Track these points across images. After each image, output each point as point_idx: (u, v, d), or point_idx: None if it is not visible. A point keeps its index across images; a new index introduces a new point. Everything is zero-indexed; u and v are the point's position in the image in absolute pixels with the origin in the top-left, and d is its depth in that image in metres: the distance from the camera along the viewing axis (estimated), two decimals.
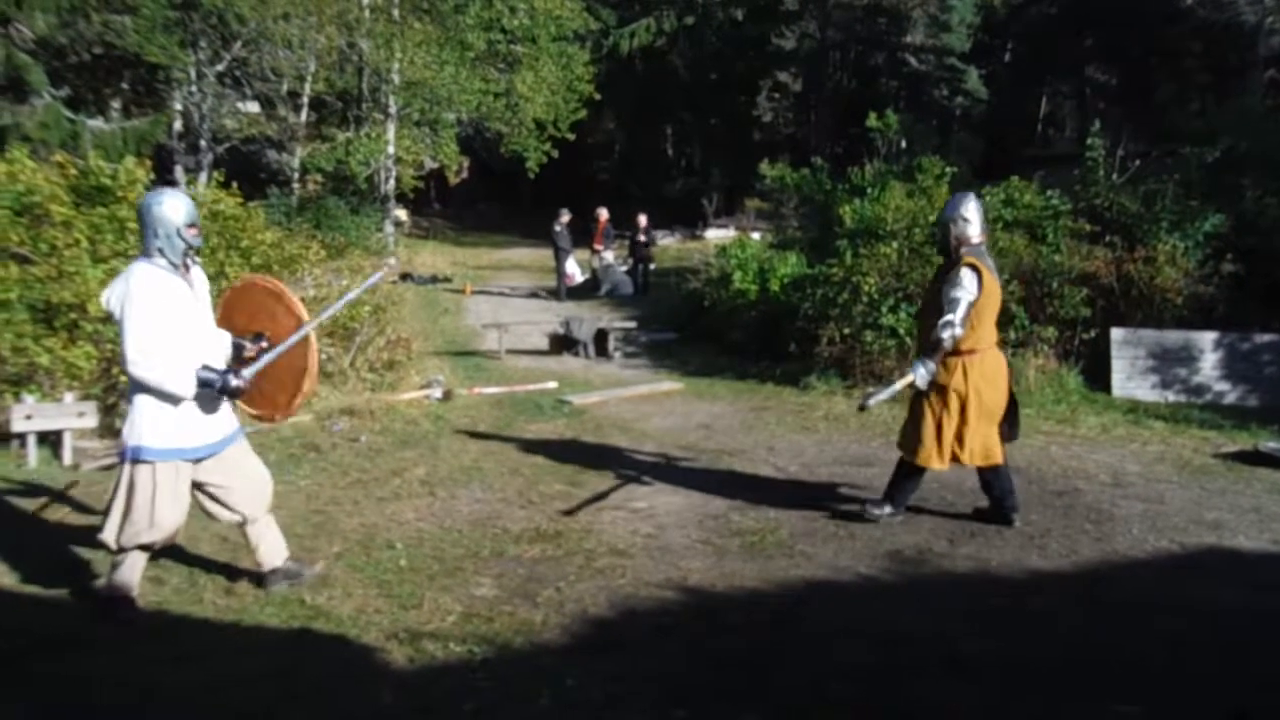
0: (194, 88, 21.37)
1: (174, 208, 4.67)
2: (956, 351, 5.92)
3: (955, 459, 6.05)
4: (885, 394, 6.10)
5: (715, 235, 26.95)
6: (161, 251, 4.64)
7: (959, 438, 6.01)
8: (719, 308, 14.12)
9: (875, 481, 7.12)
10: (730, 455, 8.08)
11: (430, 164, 27.83)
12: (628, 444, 8.50)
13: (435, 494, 6.93)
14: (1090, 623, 4.74)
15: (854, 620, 4.76)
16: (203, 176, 20.62)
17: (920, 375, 5.89)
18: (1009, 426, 6.24)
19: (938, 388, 5.98)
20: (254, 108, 23.96)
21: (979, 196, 6.49)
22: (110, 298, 4.57)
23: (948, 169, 13.02)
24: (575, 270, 20.43)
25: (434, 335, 14.76)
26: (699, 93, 35.60)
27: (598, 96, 27.78)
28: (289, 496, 6.75)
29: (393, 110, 24.19)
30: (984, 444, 6.04)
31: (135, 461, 4.59)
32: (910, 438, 6.16)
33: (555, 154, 26.32)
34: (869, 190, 13.55)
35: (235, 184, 10.37)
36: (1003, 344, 6.26)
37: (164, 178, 17.78)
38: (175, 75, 20.92)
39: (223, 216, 9.62)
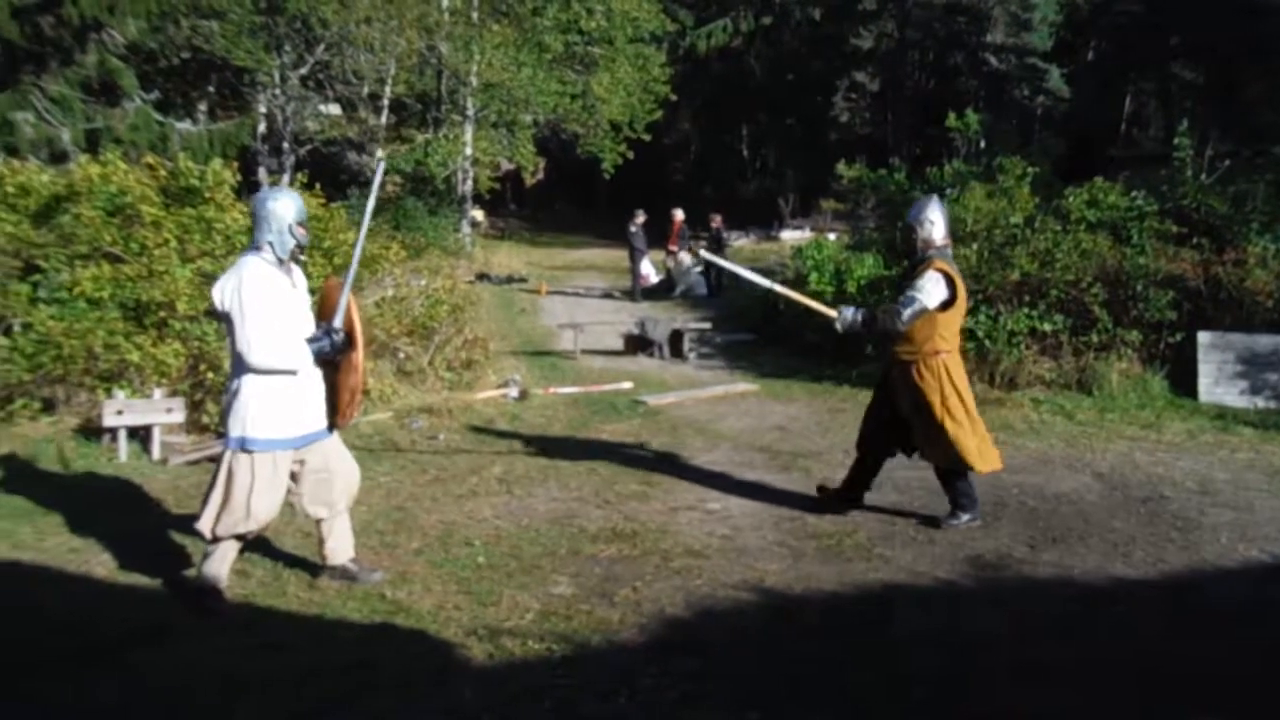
0: (278, 91, 21.84)
1: (286, 205, 4.87)
2: (936, 352, 5.95)
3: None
4: (740, 271, 6.81)
5: (791, 236, 26.81)
6: (271, 246, 4.81)
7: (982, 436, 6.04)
8: (795, 309, 14.03)
9: None
10: (806, 457, 8.04)
11: (507, 165, 28.13)
12: (703, 444, 8.49)
13: (512, 492, 7.00)
14: (1176, 631, 4.63)
15: (933, 625, 4.71)
16: (285, 178, 21.05)
17: (845, 319, 6.06)
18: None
19: (929, 394, 5.95)
20: (335, 110, 24.43)
21: (943, 198, 6.51)
22: (223, 290, 4.68)
23: (1029, 169, 12.80)
24: (650, 271, 20.45)
25: (510, 335, 14.88)
26: (775, 93, 35.50)
27: (674, 97, 27.81)
28: (369, 493, 6.86)
29: (470, 112, 24.46)
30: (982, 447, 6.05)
31: (239, 451, 4.72)
32: (944, 449, 6.03)
33: (631, 155, 26.40)
34: (948, 191, 13.36)
35: (318, 185, 10.55)
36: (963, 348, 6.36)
37: (248, 179, 18.19)
38: (260, 79, 21.41)
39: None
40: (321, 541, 5.16)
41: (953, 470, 6.10)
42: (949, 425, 5.92)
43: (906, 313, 5.85)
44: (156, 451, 7.84)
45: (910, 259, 6.31)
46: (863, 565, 5.52)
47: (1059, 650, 4.37)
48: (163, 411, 7.91)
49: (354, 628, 4.66)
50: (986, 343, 10.15)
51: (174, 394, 8.16)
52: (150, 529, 6.06)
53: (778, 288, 6.67)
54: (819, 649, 4.41)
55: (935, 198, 6.33)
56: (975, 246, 10.91)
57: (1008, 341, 10.16)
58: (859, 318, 6.06)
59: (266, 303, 4.67)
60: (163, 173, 9.37)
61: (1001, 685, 4.05)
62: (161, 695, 3.93)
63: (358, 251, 5.13)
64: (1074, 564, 5.56)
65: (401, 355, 10.12)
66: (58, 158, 15.56)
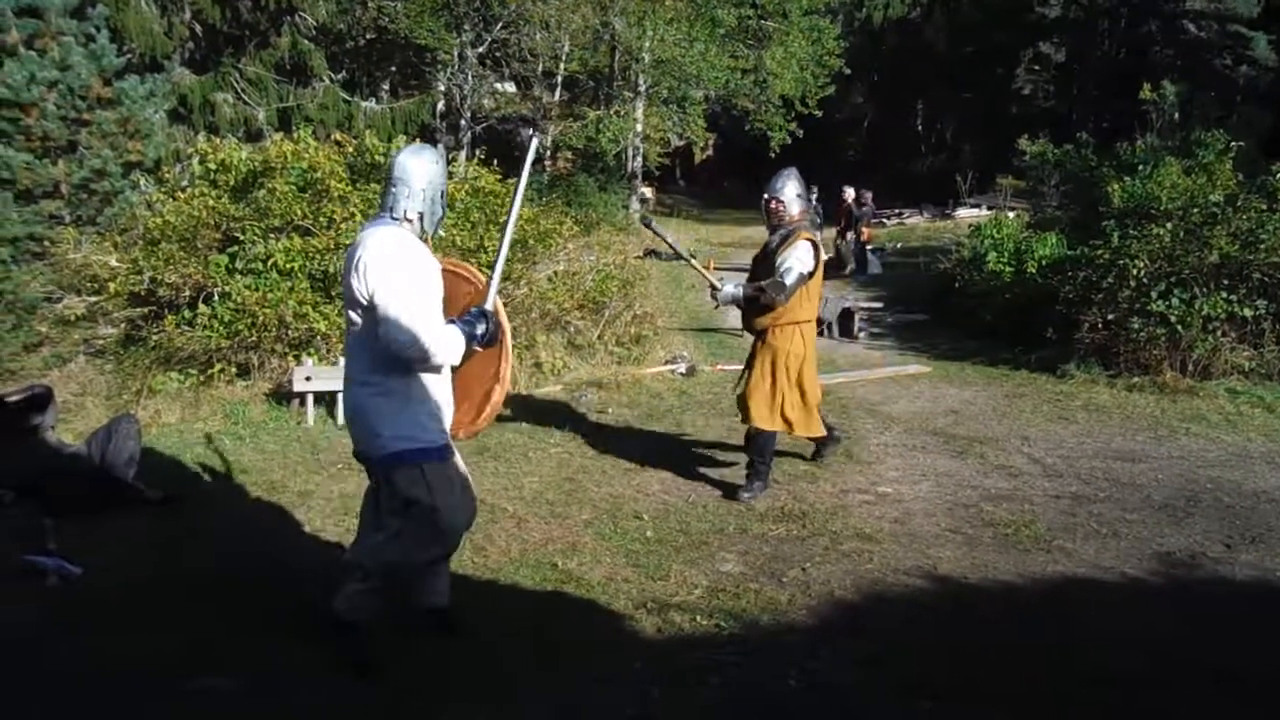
0: (456, 69, 22.42)
1: (440, 169, 3.95)
2: (795, 321, 6.24)
3: (787, 425, 6.34)
4: (670, 242, 6.87)
5: (967, 214, 25.95)
6: (421, 216, 3.87)
7: (791, 405, 6.28)
8: (970, 289, 13.61)
9: (1140, 478, 6.72)
10: (981, 443, 7.78)
11: (676, 141, 28.17)
12: (874, 426, 8.32)
13: (680, 467, 7.01)
14: None
15: (1116, 624, 4.48)
16: (462, 154, 21.62)
17: (725, 294, 6.30)
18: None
19: (779, 357, 6.23)
20: (510, 88, 24.94)
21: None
22: (367, 269, 3.66)
23: (1231, 143, 12.03)
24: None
25: (678, 311, 14.90)
26: (954, 65, 34.52)
27: (847, 71, 27.29)
28: (541, 463, 7.01)
29: (642, 88, 24.57)
30: (813, 415, 6.44)
31: (421, 464, 3.81)
32: (772, 412, 6.29)
33: (800, 132, 26.04)
34: (1140, 167, 12.70)
35: (495, 162, 10.77)
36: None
37: None
38: (440, 58, 22.03)
39: (483, 192, 10.03)
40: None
41: (763, 435, 6.31)
42: (788, 391, 6.25)
43: (790, 281, 6.06)
44: (341, 417, 8.17)
45: (774, 230, 6.42)
46: (1042, 557, 5.31)
47: (1256, 660, 4.09)
48: None
49: (527, 595, 4.75)
50: (1179, 329, 9.56)
51: None
52: (335, 492, 6.32)
53: (694, 260, 6.95)
54: (997, 642, 4.26)
55: (794, 171, 6.45)
56: (1170, 226, 10.28)
57: (1203, 328, 9.56)
58: (739, 292, 6.28)
59: (421, 282, 3.72)
60: (349, 149, 9.73)
61: (1189, 693, 3.81)
62: (344, 652, 4.06)
63: (507, 237, 4.20)
64: (1276, 566, 5.21)
65: (572, 329, 10.27)
66: (254, 136, 16.44)
